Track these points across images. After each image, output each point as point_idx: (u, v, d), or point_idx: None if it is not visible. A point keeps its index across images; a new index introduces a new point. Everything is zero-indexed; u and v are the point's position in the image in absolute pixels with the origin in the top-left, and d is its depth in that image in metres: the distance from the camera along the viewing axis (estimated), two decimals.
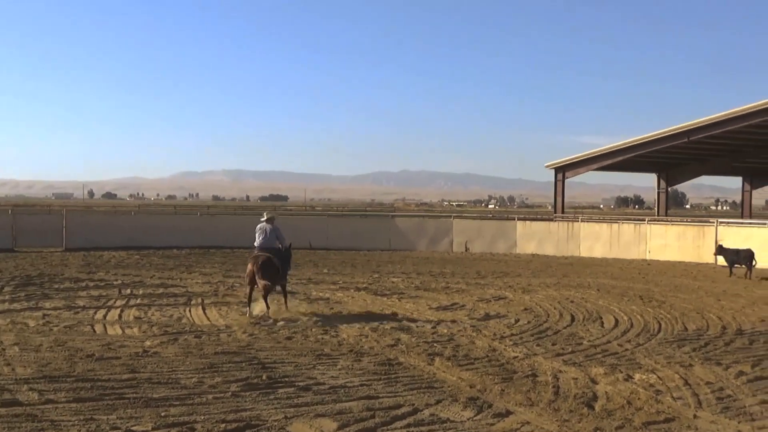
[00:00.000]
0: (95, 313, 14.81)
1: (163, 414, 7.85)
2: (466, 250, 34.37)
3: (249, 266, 15.15)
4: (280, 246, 15.63)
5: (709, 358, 11.34)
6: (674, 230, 31.75)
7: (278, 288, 15.69)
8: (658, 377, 9.98)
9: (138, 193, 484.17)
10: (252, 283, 15.03)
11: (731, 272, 24.19)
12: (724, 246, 25.42)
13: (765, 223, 30.40)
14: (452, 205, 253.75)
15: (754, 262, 23.78)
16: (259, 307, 14.98)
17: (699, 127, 34.25)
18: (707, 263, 28.86)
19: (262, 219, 16.01)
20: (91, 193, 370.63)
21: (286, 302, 15.64)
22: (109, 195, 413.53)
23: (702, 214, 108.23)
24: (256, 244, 15.69)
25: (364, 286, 20.13)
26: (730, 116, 32.54)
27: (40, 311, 14.80)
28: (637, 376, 10.00)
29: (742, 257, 24.11)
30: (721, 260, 26.62)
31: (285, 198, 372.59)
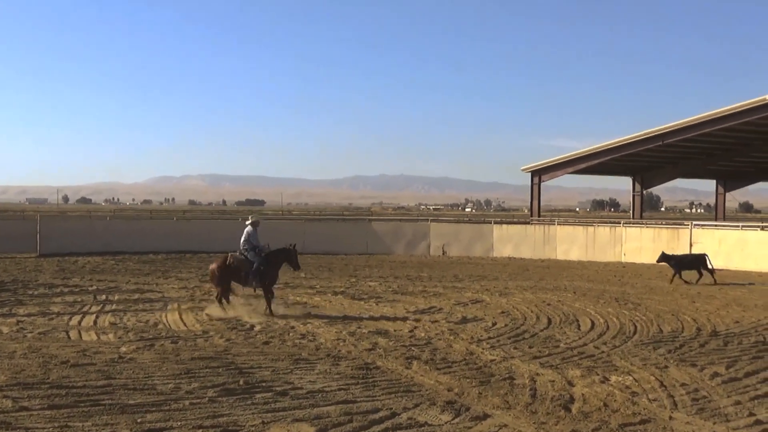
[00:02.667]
0: (70, 319, 14.68)
1: (139, 420, 7.80)
2: (443, 254, 34.44)
3: (212, 266, 16.13)
4: (249, 249, 16.09)
5: (684, 359, 11.44)
6: (649, 233, 31.98)
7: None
8: (634, 379, 10.05)
9: (113, 198, 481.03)
10: (216, 282, 15.95)
11: (673, 279, 23.16)
12: (666, 253, 24.60)
13: (738, 226, 30.76)
14: (429, 208, 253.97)
15: (710, 266, 23.30)
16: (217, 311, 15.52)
17: (673, 131, 34.56)
18: None
19: (247, 222, 16.79)
20: (65, 198, 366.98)
21: (269, 307, 15.74)
22: (84, 200, 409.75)
23: (677, 217, 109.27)
24: (242, 244, 16.31)
25: (342, 290, 20.11)
26: (704, 119, 32.88)
27: (13, 317, 14.64)
28: (613, 378, 10.07)
29: (689, 262, 23.68)
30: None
31: (262, 202, 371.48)
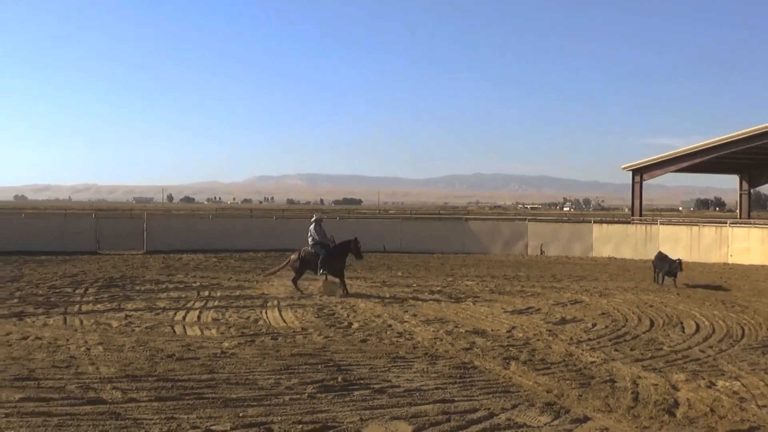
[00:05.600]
0: (175, 314, 15.12)
1: (240, 414, 7.97)
2: (541, 254, 34.01)
3: (292, 257, 19.60)
4: (322, 240, 19.29)
5: None
6: (757, 233, 30.77)
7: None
8: (742, 384, 9.69)
9: (215, 197, 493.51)
10: (294, 269, 19.33)
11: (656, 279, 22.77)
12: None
13: None
14: (526, 208, 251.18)
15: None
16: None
17: None
18: None
19: (313, 219, 20.08)
20: (170, 197, 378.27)
21: (345, 289, 18.65)
22: (187, 199, 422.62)
23: None
24: (309, 239, 19.54)
25: (438, 289, 20.07)
26: None
27: (122, 312, 15.18)
28: (720, 383, 9.73)
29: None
30: None
31: (359, 201, 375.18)
